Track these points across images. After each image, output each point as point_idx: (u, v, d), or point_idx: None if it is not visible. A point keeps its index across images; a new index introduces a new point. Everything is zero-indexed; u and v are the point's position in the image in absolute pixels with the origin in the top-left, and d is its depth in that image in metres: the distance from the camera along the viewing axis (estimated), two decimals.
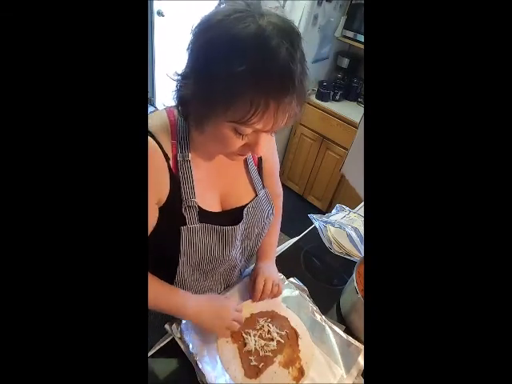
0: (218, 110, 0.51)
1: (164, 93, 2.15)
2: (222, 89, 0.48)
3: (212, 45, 0.49)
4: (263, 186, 0.80)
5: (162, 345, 0.74)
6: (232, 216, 0.74)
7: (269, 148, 0.80)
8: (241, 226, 0.74)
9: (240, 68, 0.46)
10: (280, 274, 0.91)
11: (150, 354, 0.72)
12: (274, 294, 0.83)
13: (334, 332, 0.80)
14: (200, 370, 0.68)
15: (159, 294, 0.69)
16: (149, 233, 0.64)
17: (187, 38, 0.52)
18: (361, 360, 0.75)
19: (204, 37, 0.50)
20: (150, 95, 2.20)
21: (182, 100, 0.57)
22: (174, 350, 0.73)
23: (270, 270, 0.86)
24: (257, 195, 0.78)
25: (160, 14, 2.61)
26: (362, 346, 0.78)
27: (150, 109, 2.01)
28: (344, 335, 0.80)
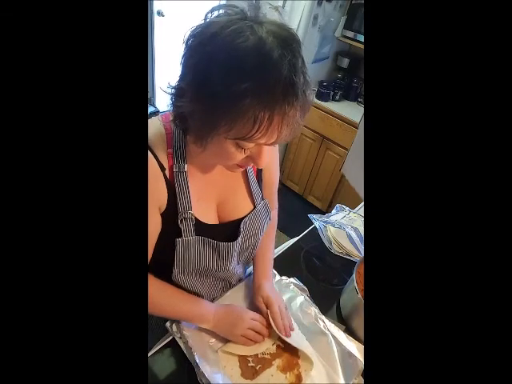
0: (220, 129, 0.49)
1: (164, 93, 2.16)
2: (225, 108, 0.46)
3: (210, 62, 0.46)
4: (262, 198, 0.78)
5: (162, 345, 0.74)
6: (229, 229, 0.73)
7: (271, 158, 0.76)
8: (238, 242, 0.72)
9: (243, 86, 0.44)
10: (284, 277, 0.91)
11: (150, 354, 0.72)
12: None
13: (336, 341, 0.77)
14: (200, 369, 0.68)
15: (181, 303, 0.72)
16: (155, 238, 0.64)
17: (181, 47, 0.49)
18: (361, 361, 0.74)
19: (201, 52, 0.47)
20: (149, 95, 2.20)
21: (180, 115, 0.55)
22: (174, 349, 0.73)
23: (274, 293, 0.81)
24: (255, 207, 0.76)
25: (160, 14, 2.61)
26: (362, 360, 0.74)
27: (150, 109, 2.00)
28: (346, 346, 0.76)
